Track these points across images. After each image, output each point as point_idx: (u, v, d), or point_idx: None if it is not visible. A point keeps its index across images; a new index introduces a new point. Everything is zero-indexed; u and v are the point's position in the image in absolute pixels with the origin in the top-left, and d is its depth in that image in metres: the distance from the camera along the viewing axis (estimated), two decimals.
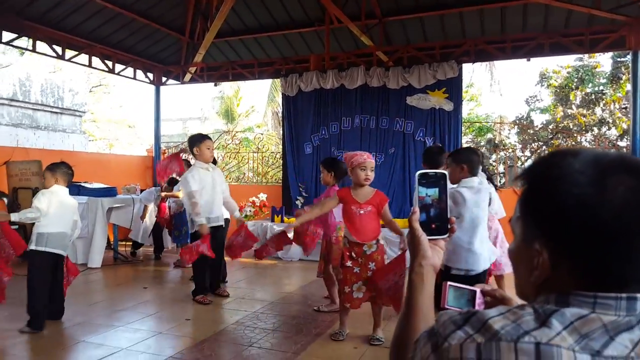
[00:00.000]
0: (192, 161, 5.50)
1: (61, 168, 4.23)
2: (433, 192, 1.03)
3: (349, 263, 3.76)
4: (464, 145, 9.27)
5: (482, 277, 3.19)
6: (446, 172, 1.04)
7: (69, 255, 4.35)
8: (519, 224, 0.82)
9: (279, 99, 17.97)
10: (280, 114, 18.57)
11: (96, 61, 8.66)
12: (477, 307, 1.04)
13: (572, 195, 0.72)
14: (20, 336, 3.87)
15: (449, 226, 1.03)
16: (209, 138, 5.24)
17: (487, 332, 0.69)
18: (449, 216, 1.04)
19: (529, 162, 0.85)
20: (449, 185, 1.06)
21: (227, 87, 20.54)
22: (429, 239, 1.01)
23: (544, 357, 0.65)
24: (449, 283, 1.08)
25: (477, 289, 1.06)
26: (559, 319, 0.69)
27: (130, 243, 7.67)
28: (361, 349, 3.66)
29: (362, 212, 3.71)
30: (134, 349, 3.63)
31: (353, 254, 3.75)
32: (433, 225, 1.02)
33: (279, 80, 10.80)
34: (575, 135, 11.69)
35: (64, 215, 4.18)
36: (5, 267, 3.96)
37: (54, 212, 4.07)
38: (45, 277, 4.08)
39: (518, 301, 0.85)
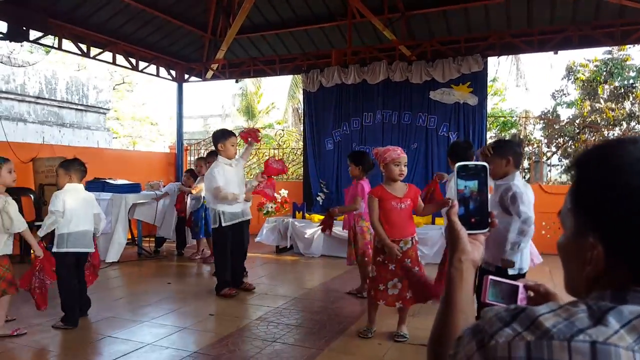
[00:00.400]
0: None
1: (74, 165, 4.18)
2: (473, 184, 0.99)
3: (380, 258, 3.70)
4: (489, 141, 9.11)
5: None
6: (487, 165, 1.00)
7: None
8: (570, 216, 0.78)
9: (299, 95, 18.01)
10: (300, 111, 18.64)
11: (120, 59, 8.76)
12: (519, 303, 1.00)
13: (632, 186, 0.67)
14: (49, 331, 3.92)
15: (489, 220, 0.99)
16: (234, 134, 5.25)
17: (538, 330, 0.65)
18: (489, 210, 1.00)
19: (581, 151, 0.80)
20: (490, 181, 1.02)
21: (249, 84, 20.60)
22: (468, 234, 0.97)
23: (600, 357, 0.61)
24: (490, 277, 1.04)
25: (520, 283, 1.02)
26: (616, 316, 0.64)
27: (154, 240, 7.72)
28: (385, 345, 3.61)
29: (403, 206, 3.66)
30: (159, 344, 3.65)
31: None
32: (473, 220, 0.99)
33: (299, 76, 10.78)
34: (603, 129, 11.41)
35: (82, 212, 4.13)
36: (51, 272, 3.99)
37: (71, 211, 4.03)
38: (71, 275, 4.10)
39: (565, 298, 0.81)
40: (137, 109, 23.29)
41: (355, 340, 3.75)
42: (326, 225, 5.22)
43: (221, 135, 5.13)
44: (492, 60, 9.67)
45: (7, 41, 6.82)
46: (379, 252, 3.72)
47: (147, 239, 8.01)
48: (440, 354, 0.91)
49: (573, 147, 12.80)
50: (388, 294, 3.66)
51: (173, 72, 9.93)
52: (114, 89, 19.80)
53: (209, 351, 3.52)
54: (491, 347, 0.67)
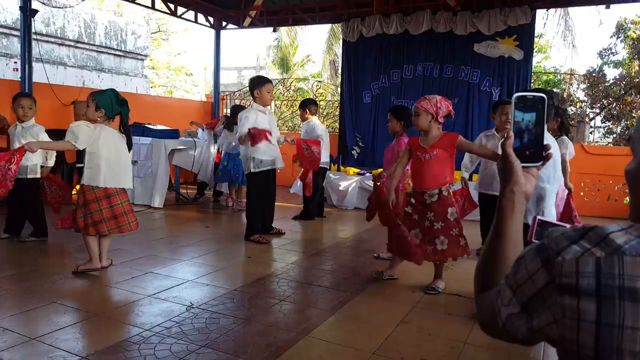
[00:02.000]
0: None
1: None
2: (530, 116, 0.97)
3: (408, 209, 3.72)
4: None
5: None
6: (545, 96, 0.97)
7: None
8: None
9: (336, 47, 17.68)
10: (337, 64, 18.36)
11: (158, 3, 8.72)
12: None
13: None
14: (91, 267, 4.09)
15: (544, 153, 0.98)
16: (270, 82, 5.22)
17: (608, 247, 0.65)
18: (544, 143, 0.98)
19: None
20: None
21: (284, 35, 20.32)
22: (522, 166, 0.97)
23: None
24: (538, 217, 1.04)
25: (568, 225, 1.02)
26: None
27: (196, 187, 7.88)
28: (419, 294, 3.65)
29: (427, 156, 3.57)
30: (199, 281, 3.78)
31: (413, 200, 3.69)
32: (527, 152, 0.97)
33: (337, 26, 10.55)
34: None
35: None
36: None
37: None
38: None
39: None
40: (172, 58, 23.35)
41: (389, 286, 3.80)
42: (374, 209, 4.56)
43: (258, 82, 5.10)
44: (539, 14, 9.25)
45: None
46: (406, 202, 3.77)
47: (185, 185, 8.19)
48: (488, 281, 0.92)
49: (618, 108, 12.31)
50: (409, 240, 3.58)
51: (211, 19, 9.85)
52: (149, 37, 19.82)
53: (247, 289, 3.63)
54: (557, 263, 0.67)
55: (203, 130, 7.71)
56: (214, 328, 2.89)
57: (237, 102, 10.59)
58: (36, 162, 4.68)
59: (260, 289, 3.65)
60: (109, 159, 3.79)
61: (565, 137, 4.16)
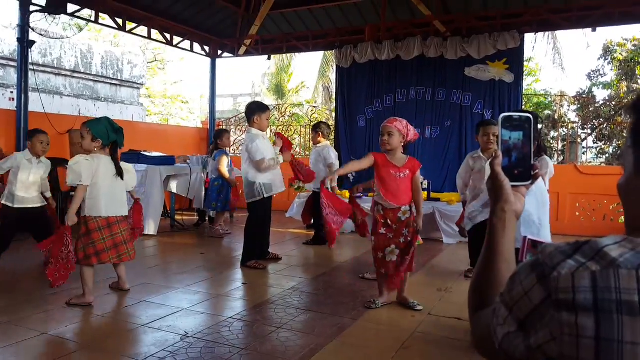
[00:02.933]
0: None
1: None
2: (517, 135, 0.99)
3: (382, 230, 3.80)
4: None
5: None
6: (531, 116, 0.99)
7: None
8: (630, 154, 0.77)
9: (330, 74, 17.87)
10: (331, 89, 18.53)
11: (155, 34, 8.83)
12: None
13: None
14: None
15: (532, 172, 0.99)
16: (269, 109, 5.30)
17: (603, 260, 0.64)
18: (532, 162, 0.99)
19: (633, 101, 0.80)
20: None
21: (278, 62, 20.55)
22: (511, 185, 0.98)
23: None
24: (528, 237, 1.04)
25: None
26: None
27: (191, 214, 7.87)
28: (419, 318, 3.61)
29: (402, 175, 3.76)
30: (195, 310, 3.73)
31: (388, 220, 3.78)
32: (516, 171, 0.99)
33: (330, 53, 10.70)
34: None
35: None
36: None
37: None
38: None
39: None
40: (168, 86, 23.52)
41: (388, 311, 3.77)
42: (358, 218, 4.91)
43: (258, 108, 5.13)
44: (528, 38, 9.41)
45: (46, 14, 6.94)
46: (380, 224, 3.80)
47: (180, 212, 8.16)
48: (482, 301, 0.91)
49: (609, 129, 12.43)
50: (386, 260, 3.77)
51: (207, 48, 9.98)
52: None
53: (243, 317, 3.59)
54: (553, 278, 0.66)
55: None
56: (209, 358, 2.84)
57: (232, 128, 10.64)
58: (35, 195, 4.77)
59: (257, 317, 3.60)
60: (108, 188, 3.83)
61: (546, 157, 4.20)
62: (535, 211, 2.97)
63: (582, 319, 0.62)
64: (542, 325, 0.67)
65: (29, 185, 4.66)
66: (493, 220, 0.96)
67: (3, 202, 4.67)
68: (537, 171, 1.00)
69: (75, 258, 3.78)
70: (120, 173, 3.93)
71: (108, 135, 3.83)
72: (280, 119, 11.39)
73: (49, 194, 4.94)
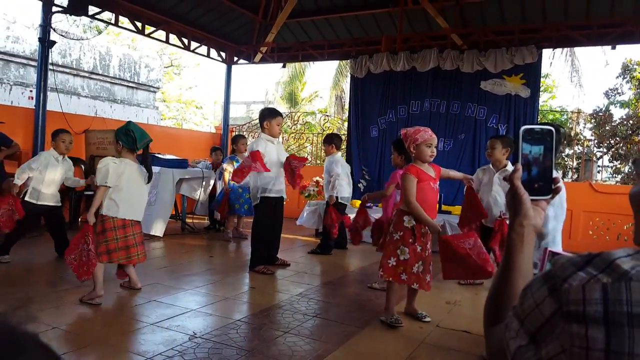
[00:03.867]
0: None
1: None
2: (538, 149, 0.97)
3: (411, 240, 3.58)
4: None
5: None
6: (553, 129, 0.97)
7: None
8: None
9: (343, 83, 17.94)
10: (343, 99, 18.60)
11: (172, 38, 8.94)
12: None
13: None
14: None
15: (553, 186, 0.97)
16: (281, 115, 5.28)
17: (614, 273, 0.63)
18: (553, 176, 0.98)
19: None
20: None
21: (292, 71, 20.67)
22: (531, 199, 0.96)
23: None
24: (548, 249, 1.03)
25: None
26: None
27: (203, 217, 7.92)
28: (427, 329, 3.58)
29: (436, 187, 3.65)
30: (203, 311, 3.74)
31: (421, 235, 3.62)
32: (535, 185, 0.97)
33: (345, 63, 10.74)
34: None
35: None
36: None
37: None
38: None
39: None
40: (183, 91, 23.75)
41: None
42: (358, 228, 5.15)
43: (269, 114, 5.16)
44: (545, 54, 9.40)
45: (67, 15, 7.06)
46: (410, 235, 3.58)
47: (191, 215, 8.20)
48: (497, 315, 0.90)
49: (625, 148, 12.31)
50: (421, 277, 3.60)
51: (223, 54, 10.07)
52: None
53: (251, 320, 3.59)
54: (564, 290, 0.65)
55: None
56: (217, 358, 2.84)
57: (245, 134, 10.70)
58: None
59: (264, 320, 3.60)
60: (129, 192, 3.95)
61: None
62: (550, 223, 2.96)
63: (592, 331, 0.61)
64: (553, 338, 0.66)
65: (55, 182, 4.97)
66: (511, 235, 0.95)
67: (27, 198, 4.83)
68: (557, 184, 0.98)
69: (95, 255, 3.84)
70: (150, 176, 4.14)
71: (135, 140, 3.94)
72: (293, 127, 11.43)
73: (81, 182, 5.30)
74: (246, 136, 10.11)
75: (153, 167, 6.84)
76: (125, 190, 3.91)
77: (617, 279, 0.62)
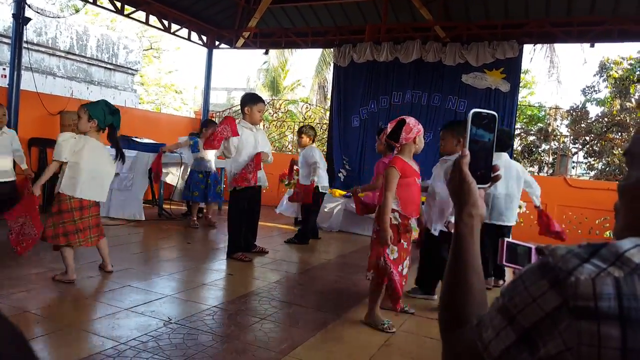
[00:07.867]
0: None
1: None
2: (482, 134, 0.92)
3: (403, 242, 3.38)
4: (517, 130, 8.97)
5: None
6: (496, 115, 0.93)
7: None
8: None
9: (326, 72, 17.86)
10: (326, 88, 18.52)
11: (153, 20, 8.75)
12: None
13: None
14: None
15: (492, 174, 0.93)
16: (263, 102, 5.21)
17: (626, 266, 0.60)
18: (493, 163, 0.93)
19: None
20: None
21: (274, 58, 20.50)
22: None
23: None
24: (506, 240, 0.98)
25: (532, 245, 0.96)
26: None
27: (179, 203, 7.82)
28: (402, 317, 3.61)
29: (420, 182, 3.52)
30: (178, 297, 3.70)
31: (406, 230, 3.44)
32: (478, 173, 0.91)
33: (328, 52, 10.67)
34: (631, 130, 11.16)
35: None
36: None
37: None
38: None
39: None
40: (162, 75, 23.37)
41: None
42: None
43: (250, 99, 5.08)
44: (526, 49, 9.49)
45: None
46: (396, 232, 3.32)
47: (169, 201, 8.09)
48: (459, 315, 0.84)
49: (599, 145, 12.56)
50: (403, 274, 3.42)
51: (204, 38, 9.90)
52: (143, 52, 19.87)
53: (227, 307, 3.57)
54: (570, 283, 0.61)
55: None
56: (192, 344, 2.82)
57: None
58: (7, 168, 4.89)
59: (241, 307, 3.58)
60: (89, 170, 3.82)
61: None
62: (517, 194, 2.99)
63: (605, 328, 0.58)
64: (554, 335, 0.62)
65: None
66: (460, 227, 0.88)
67: None
68: (497, 173, 0.93)
69: (37, 228, 3.79)
70: (122, 156, 3.97)
71: (104, 117, 3.82)
72: (274, 115, 11.35)
73: (24, 166, 5.07)
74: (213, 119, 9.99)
75: (130, 151, 6.82)
76: (85, 169, 3.78)
77: (630, 272, 0.59)
